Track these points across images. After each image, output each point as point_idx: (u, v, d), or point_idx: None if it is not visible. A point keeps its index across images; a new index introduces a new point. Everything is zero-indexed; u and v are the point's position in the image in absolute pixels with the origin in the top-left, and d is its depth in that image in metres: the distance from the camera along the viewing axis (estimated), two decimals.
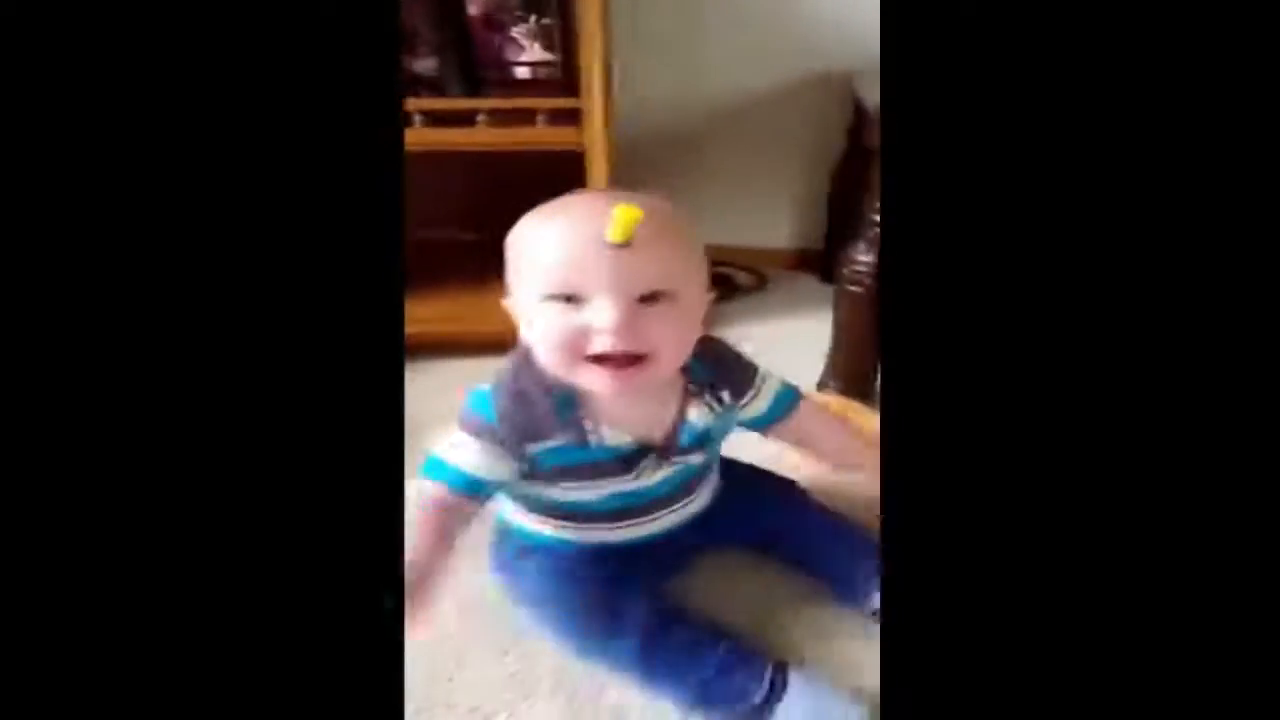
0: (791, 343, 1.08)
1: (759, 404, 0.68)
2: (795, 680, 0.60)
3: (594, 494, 0.64)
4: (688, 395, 0.63)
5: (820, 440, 0.73)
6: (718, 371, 0.65)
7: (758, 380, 0.68)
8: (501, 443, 0.58)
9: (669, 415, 0.63)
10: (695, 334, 0.59)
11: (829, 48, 1.24)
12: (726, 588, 0.73)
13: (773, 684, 0.59)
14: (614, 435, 0.61)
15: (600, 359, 0.54)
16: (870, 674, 0.64)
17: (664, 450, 0.63)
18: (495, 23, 1.11)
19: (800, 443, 0.73)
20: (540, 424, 0.59)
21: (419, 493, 0.57)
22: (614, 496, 0.64)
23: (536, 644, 0.67)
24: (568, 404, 0.59)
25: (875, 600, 0.67)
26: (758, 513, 0.75)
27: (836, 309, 0.99)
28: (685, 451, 0.64)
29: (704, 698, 0.60)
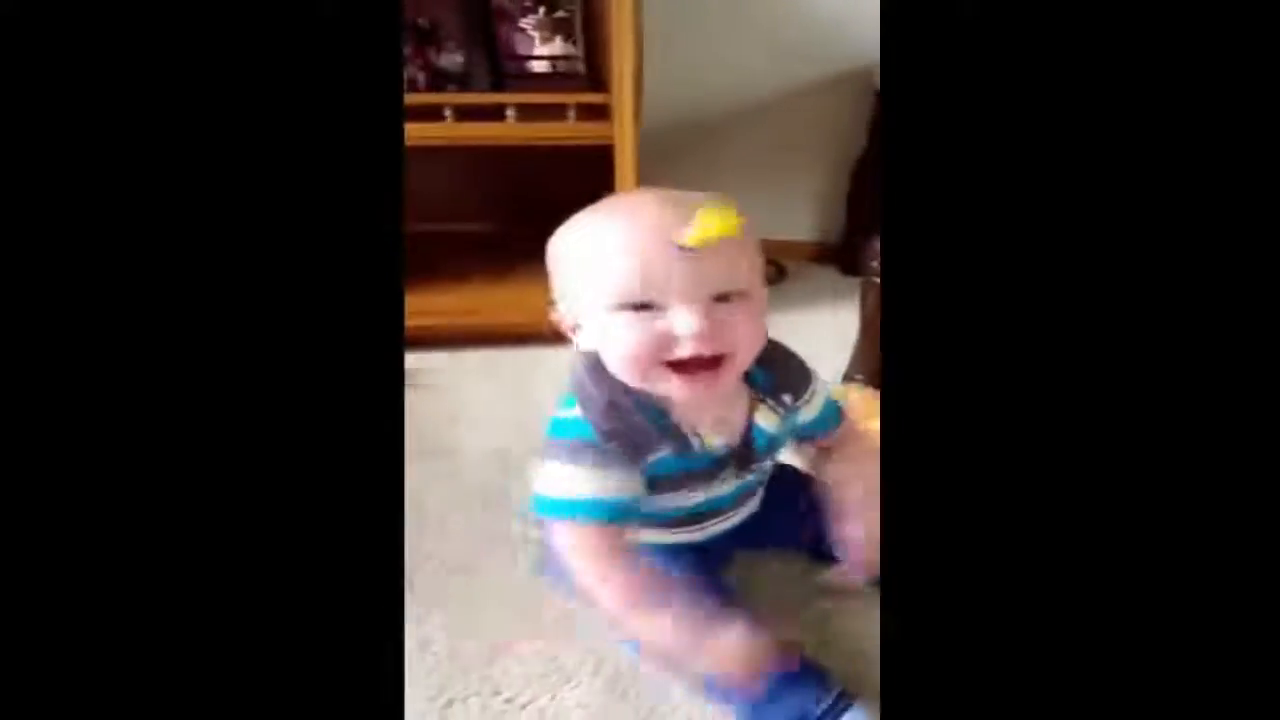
0: (811, 334, 1.07)
1: (811, 410, 0.68)
2: (856, 713, 0.58)
3: (685, 501, 0.63)
4: (754, 400, 0.63)
5: (845, 481, 0.69)
6: (777, 375, 0.64)
7: (813, 384, 0.68)
8: (617, 460, 0.57)
9: (741, 420, 0.63)
10: (764, 331, 0.58)
11: (849, 42, 1.24)
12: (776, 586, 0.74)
13: (833, 708, 0.58)
14: (711, 439, 0.61)
15: (679, 364, 0.53)
16: None
17: (743, 455, 0.63)
18: (507, 14, 1.12)
19: (831, 474, 0.70)
20: (647, 435, 0.58)
21: (567, 549, 0.57)
22: (701, 503, 0.65)
23: (575, 628, 0.68)
24: (660, 413, 0.58)
25: None
26: (802, 515, 0.73)
27: (862, 301, 0.99)
28: (761, 456, 0.65)
29: (758, 713, 0.59)
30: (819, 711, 0.58)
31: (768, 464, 0.67)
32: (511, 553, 0.77)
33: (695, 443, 0.60)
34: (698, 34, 1.28)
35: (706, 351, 0.53)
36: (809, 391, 0.67)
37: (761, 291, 0.58)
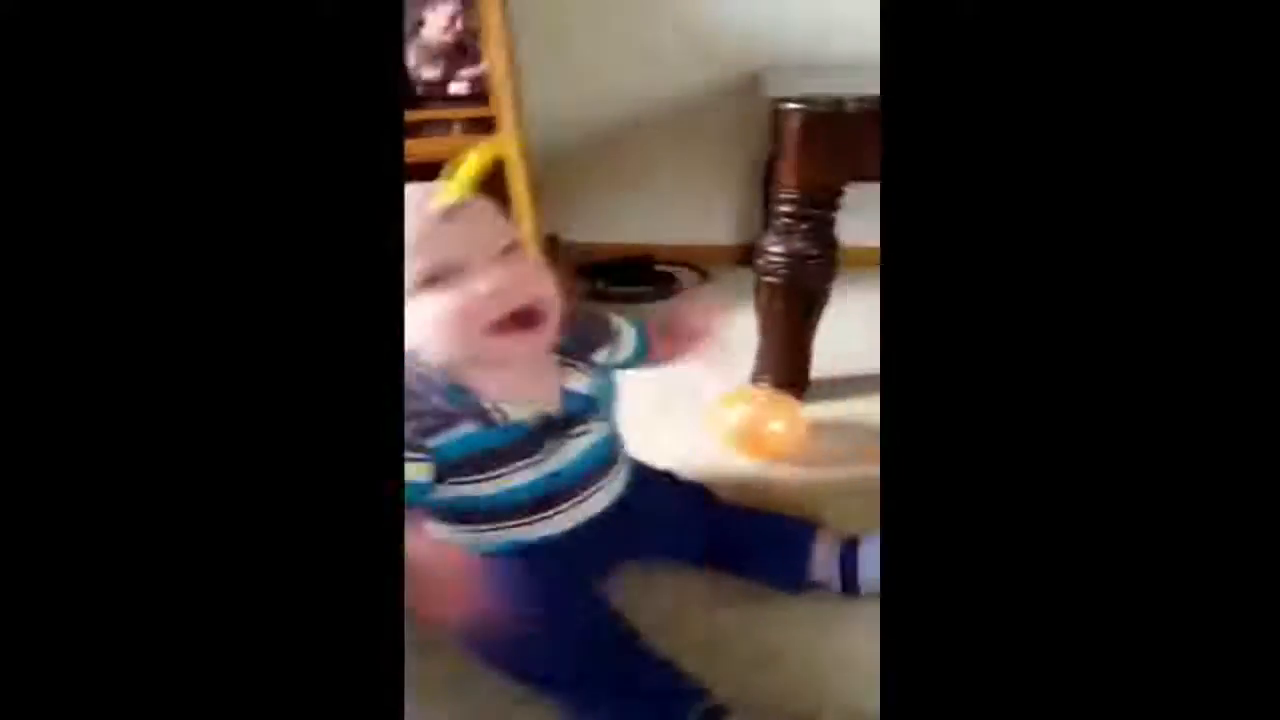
0: (734, 336, 1.07)
1: (626, 346, 0.69)
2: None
3: (518, 480, 0.60)
4: (561, 366, 0.63)
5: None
6: (580, 335, 0.64)
7: (614, 327, 0.68)
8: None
9: (550, 388, 0.62)
10: (557, 290, 0.59)
11: (739, 48, 1.25)
12: (651, 597, 0.71)
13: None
14: (515, 411, 0.59)
15: (499, 328, 0.54)
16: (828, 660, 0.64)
17: (557, 422, 0.61)
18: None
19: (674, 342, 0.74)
20: (438, 415, 0.57)
21: None
22: (538, 482, 0.61)
23: None
24: (457, 390, 0.58)
25: (814, 571, 0.69)
26: (675, 518, 0.72)
27: (757, 301, 0.99)
28: (581, 420, 0.63)
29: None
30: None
31: (598, 425, 0.65)
32: None
33: (497, 416, 0.58)
34: (598, 47, 1.28)
35: (519, 301, 0.54)
36: (613, 335, 0.67)
37: (534, 251, 0.58)
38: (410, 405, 0.56)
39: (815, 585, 0.69)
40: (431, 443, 0.56)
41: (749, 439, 0.91)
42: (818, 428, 0.93)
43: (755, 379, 1.05)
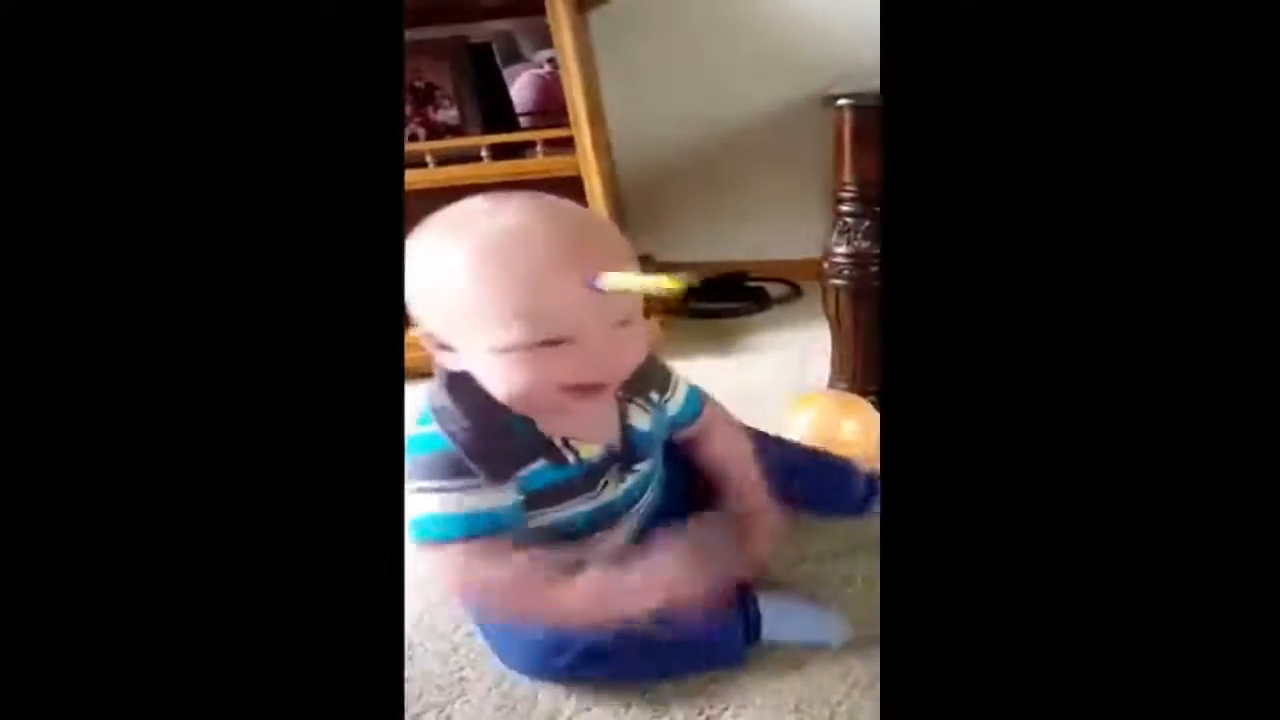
0: (826, 348, 1.06)
1: (677, 399, 0.68)
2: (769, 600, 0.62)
3: (571, 512, 0.61)
4: (622, 402, 0.63)
5: (725, 459, 0.70)
6: (639, 374, 0.62)
7: (674, 378, 0.68)
8: (488, 475, 0.55)
9: (614, 425, 0.62)
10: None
11: (826, 62, 1.25)
12: None
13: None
14: (585, 449, 0.60)
15: (573, 388, 0.52)
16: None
17: (623, 457, 0.62)
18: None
19: (710, 458, 0.71)
20: (519, 452, 0.56)
21: (454, 573, 0.56)
22: (591, 513, 0.62)
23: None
24: (530, 429, 0.57)
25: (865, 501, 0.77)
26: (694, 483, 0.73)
27: (825, 305, 0.98)
28: (640, 457, 0.64)
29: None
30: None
31: (649, 463, 0.66)
32: None
33: (569, 455, 0.59)
34: (683, 68, 1.33)
35: (612, 378, 0.53)
36: (671, 385, 0.67)
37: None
38: (492, 435, 0.55)
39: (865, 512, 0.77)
40: (520, 474, 0.56)
41: (820, 443, 0.89)
42: None
43: (831, 385, 1.03)
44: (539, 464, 0.57)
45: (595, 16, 1.25)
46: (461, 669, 0.67)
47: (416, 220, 0.54)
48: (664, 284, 0.45)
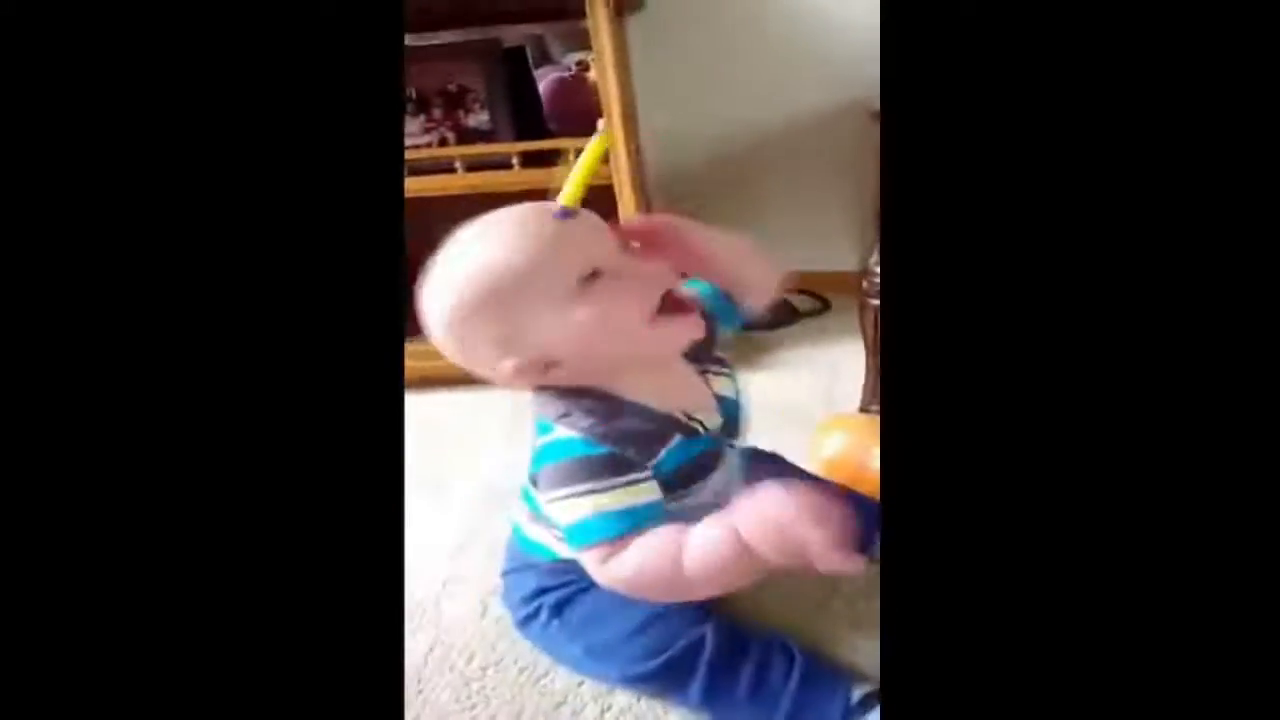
0: (854, 366, 1.04)
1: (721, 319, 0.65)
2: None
3: (709, 492, 0.60)
4: (702, 374, 0.62)
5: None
6: (705, 341, 0.62)
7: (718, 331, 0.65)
8: (638, 454, 0.54)
9: (709, 395, 0.61)
10: None
11: (861, 73, 1.22)
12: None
13: (860, 706, 0.54)
14: (709, 421, 0.59)
15: (664, 311, 0.54)
16: None
17: (730, 427, 0.62)
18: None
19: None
20: (652, 427, 0.55)
21: (613, 572, 0.52)
22: (719, 490, 0.60)
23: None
24: (649, 410, 0.56)
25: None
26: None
27: (863, 326, 0.95)
28: (738, 428, 0.64)
29: None
30: (851, 708, 0.54)
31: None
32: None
33: (697, 426, 0.58)
34: (716, 75, 1.31)
35: (667, 285, 0.55)
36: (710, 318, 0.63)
37: None
38: (624, 421, 0.55)
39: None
40: (652, 462, 0.55)
41: (847, 469, 0.87)
42: None
43: (863, 408, 1.00)
44: (675, 440, 0.56)
45: (631, 21, 1.23)
46: (474, 705, 0.64)
47: (445, 226, 0.55)
48: (589, 154, 0.53)
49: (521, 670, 0.66)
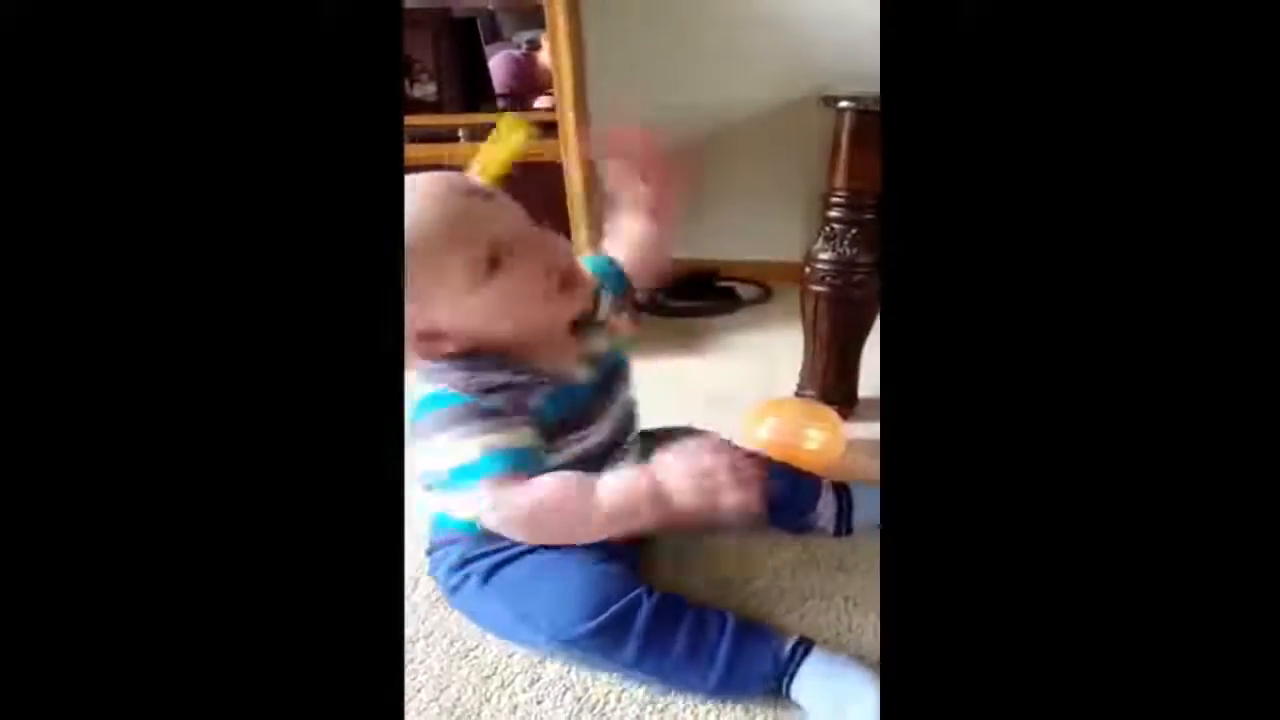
0: (794, 352, 1.06)
1: (605, 290, 0.67)
2: (814, 655, 0.57)
3: (590, 442, 0.62)
4: (578, 334, 0.64)
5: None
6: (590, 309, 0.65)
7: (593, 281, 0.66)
8: (511, 404, 0.56)
9: (576, 349, 0.63)
10: None
11: (814, 65, 1.25)
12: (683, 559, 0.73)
13: (791, 656, 0.56)
14: (580, 371, 0.62)
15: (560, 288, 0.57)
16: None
17: (608, 381, 0.64)
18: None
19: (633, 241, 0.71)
20: (528, 381, 0.57)
21: (508, 505, 0.54)
22: (604, 442, 0.64)
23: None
24: (522, 365, 0.58)
25: (820, 518, 0.74)
26: None
27: (803, 311, 0.97)
28: (617, 380, 0.67)
29: (724, 684, 0.56)
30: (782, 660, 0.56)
31: (626, 391, 0.69)
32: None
33: (569, 377, 0.60)
34: (667, 61, 1.31)
35: (567, 265, 0.57)
36: (597, 288, 0.66)
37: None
38: (503, 375, 0.57)
39: (814, 528, 0.75)
40: (531, 404, 0.57)
41: (781, 451, 0.88)
42: (860, 446, 0.89)
43: (799, 392, 1.02)
44: (551, 389, 0.58)
45: (584, 2, 1.22)
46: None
47: None
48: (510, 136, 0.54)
49: (451, 643, 0.65)
